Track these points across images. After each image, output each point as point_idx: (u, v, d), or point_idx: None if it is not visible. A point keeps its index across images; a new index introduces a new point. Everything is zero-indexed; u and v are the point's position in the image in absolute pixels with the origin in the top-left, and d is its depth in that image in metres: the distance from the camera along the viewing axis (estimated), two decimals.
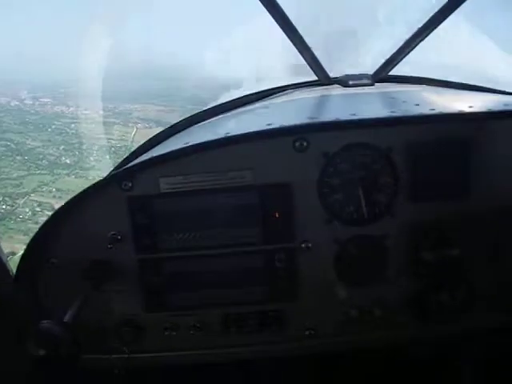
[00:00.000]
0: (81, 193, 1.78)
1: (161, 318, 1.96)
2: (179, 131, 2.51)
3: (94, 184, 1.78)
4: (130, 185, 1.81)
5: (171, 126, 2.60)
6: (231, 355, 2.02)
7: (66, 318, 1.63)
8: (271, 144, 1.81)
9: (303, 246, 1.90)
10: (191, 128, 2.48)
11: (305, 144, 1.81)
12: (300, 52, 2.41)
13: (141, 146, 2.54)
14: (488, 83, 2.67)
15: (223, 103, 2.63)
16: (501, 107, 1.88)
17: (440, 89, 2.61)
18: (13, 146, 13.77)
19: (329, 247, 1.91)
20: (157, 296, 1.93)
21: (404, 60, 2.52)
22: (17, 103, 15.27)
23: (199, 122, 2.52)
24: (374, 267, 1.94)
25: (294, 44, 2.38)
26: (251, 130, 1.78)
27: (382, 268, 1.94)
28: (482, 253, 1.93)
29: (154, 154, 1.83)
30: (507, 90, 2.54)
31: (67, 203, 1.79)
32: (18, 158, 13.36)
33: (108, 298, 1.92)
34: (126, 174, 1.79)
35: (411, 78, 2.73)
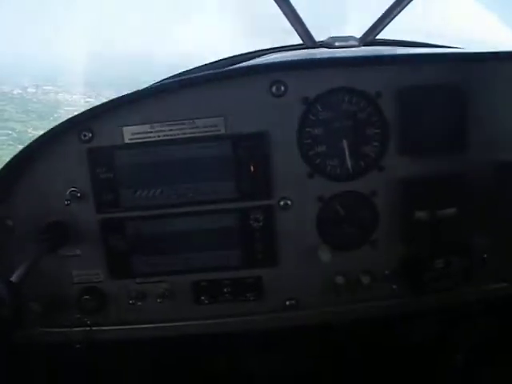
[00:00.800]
0: (33, 143, 1.61)
1: (125, 285, 1.78)
2: None
3: (48, 131, 1.60)
4: (90, 135, 1.64)
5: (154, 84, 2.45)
6: (204, 328, 1.84)
7: (13, 278, 1.45)
8: (245, 88, 1.62)
9: (282, 203, 1.71)
10: None
11: (282, 88, 1.63)
12: (286, 15, 2.24)
13: None
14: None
15: (205, 64, 2.48)
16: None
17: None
18: (14, 134, 13.64)
19: (311, 205, 1.72)
20: (120, 260, 1.75)
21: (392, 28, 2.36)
22: (20, 91, 15.14)
23: None
24: (362, 228, 1.76)
25: (280, 7, 2.21)
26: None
27: (370, 229, 1.76)
28: (482, 214, 1.73)
29: None
30: None
31: (17, 156, 1.61)
32: (20, 147, 13.21)
33: (67, 264, 1.74)
34: (84, 118, 1.60)
35: (400, 41, 2.57)
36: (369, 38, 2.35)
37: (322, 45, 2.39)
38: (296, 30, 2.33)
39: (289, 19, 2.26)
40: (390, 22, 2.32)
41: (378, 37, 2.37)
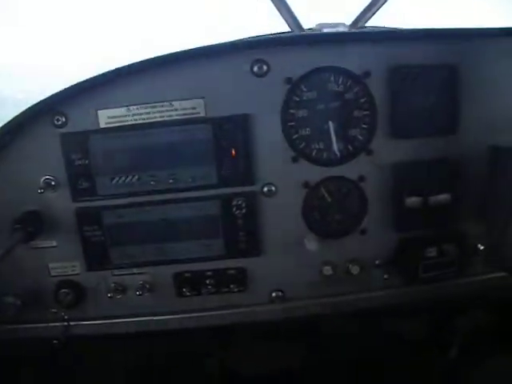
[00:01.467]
0: (3, 129, 1.53)
1: (104, 277, 1.70)
2: None
3: (18, 116, 1.53)
4: (64, 120, 1.56)
5: None
6: (187, 321, 1.76)
7: None
8: (225, 68, 1.55)
9: (266, 189, 1.63)
10: None
11: (265, 68, 1.55)
12: (274, 2, 2.17)
13: None
14: None
15: (193, 48, 2.41)
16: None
17: None
18: None
19: (296, 191, 1.64)
20: (98, 252, 1.67)
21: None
22: (24, 96, 15.14)
23: None
24: (350, 216, 1.67)
25: None
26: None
27: (358, 217, 1.68)
28: (476, 200, 1.65)
29: None
30: None
31: None
32: None
33: (42, 256, 1.67)
34: (55, 99, 1.52)
35: (391, 28, 2.46)
36: (358, 24, 2.28)
37: (310, 32, 2.33)
38: (283, 17, 2.27)
39: (276, 5, 2.20)
40: (379, 8, 2.25)
41: (367, 24, 2.31)
